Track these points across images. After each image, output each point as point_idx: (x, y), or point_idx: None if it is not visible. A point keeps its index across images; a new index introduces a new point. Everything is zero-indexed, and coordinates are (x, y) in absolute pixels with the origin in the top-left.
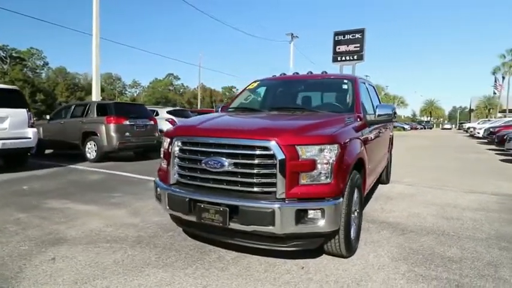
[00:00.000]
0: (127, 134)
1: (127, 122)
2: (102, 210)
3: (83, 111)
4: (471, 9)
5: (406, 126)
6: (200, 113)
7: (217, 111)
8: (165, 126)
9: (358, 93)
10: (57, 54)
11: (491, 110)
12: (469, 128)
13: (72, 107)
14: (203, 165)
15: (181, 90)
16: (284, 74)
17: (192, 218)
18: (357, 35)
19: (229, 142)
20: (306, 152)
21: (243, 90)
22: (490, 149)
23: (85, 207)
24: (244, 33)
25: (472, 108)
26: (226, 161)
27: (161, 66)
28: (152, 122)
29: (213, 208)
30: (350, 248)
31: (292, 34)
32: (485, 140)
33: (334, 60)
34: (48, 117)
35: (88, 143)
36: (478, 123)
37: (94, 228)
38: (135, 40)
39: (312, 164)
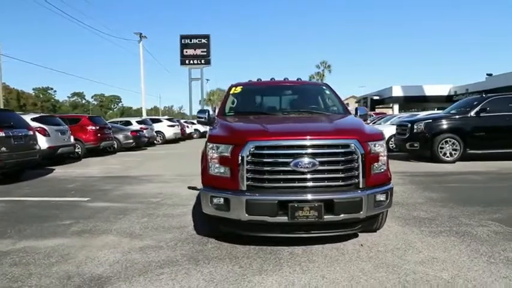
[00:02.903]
0: (3, 149)
1: (1, 134)
2: (82, 241)
3: None
4: (291, 25)
5: None
6: (66, 119)
7: (209, 117)
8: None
9: (339, 97)
10: None
11: None
12: None
13: None
14: (292, 166)
15: None
16: (260, 79)
17: (281, 220)
18: (203, 40)
19: (317, 143)
20: (373, 147)
21: (227, 96)
22: None
23: (52, 241)
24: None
25: None
26: (317, 160)
27: None
28: (31, 132)
29: (307, 205)
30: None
31: (140, 34)
32: None
33: (182, 63)
34: None
35: None
36: None
37: (118, 259)
38: None
39: (377, 157)
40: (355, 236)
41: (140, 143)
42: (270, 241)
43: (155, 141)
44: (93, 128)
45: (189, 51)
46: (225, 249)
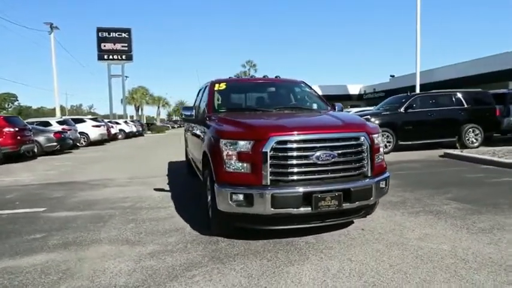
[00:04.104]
0: None
1: None
2: (75, 254)
3: None
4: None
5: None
6: None
7: (197, 114)
8: None
9: (317, 93)
10: None
11: None
12: None
13: None
14: (314, 159)
15: None
16: (238, 76)
17: (305, 210)
18: (124, 34)
19: (335, 136)
20: (375, 139)
21: (212, 92)
22: None
23: (35, 258)
24: None
25: None
26: (335, 152)
27: None
28: None
29: (328, 195)
30: None
31: (51, 24)
32: None
33: (100, 58)
34: None
35: None
36: None
37: (134, 268)
38: None
39: (378, 148)
40: (352, 222)
41: (65, 145)
42: (280, 233)
43: (78, 144)
44: (11, 129)
45: (108, 46)
46: (241, 246)
